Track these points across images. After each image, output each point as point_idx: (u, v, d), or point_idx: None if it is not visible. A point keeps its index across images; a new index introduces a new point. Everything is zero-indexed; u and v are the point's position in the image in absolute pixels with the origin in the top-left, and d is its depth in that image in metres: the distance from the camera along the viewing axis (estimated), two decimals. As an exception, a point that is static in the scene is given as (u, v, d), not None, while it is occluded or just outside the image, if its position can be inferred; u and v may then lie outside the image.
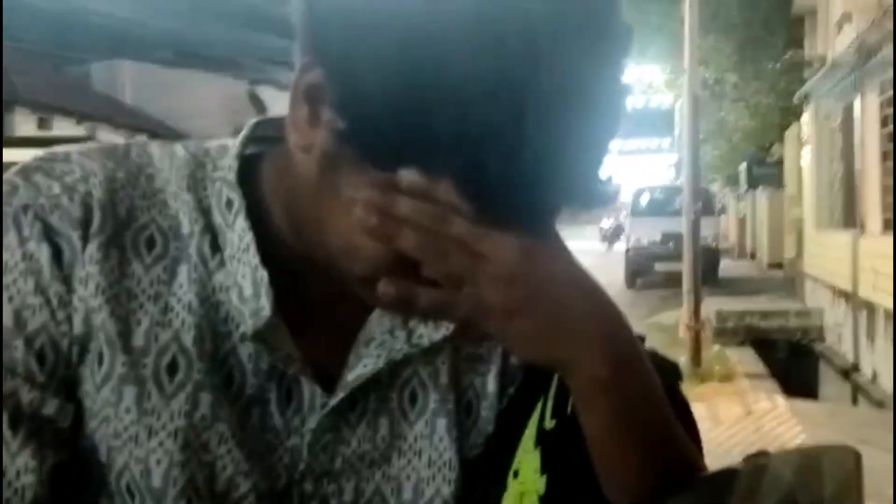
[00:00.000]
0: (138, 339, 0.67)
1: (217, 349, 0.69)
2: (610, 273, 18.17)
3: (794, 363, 10.37)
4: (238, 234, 0.69)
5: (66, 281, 0.66)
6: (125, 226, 0.67)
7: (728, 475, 0.64)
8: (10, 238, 0.65)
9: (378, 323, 0.74)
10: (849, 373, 8.88)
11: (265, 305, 0.67)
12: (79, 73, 26.18)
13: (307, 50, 0.63)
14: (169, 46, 26.33)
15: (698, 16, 9.55)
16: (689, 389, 5.59)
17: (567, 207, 0.62)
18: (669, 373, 0.75)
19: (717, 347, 9.85)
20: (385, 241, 0.61)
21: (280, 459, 0.71)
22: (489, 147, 0.56)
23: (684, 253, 9.33)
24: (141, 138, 0.85)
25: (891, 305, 7.39)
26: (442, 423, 0.76)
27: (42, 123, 21.10)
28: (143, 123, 24.89)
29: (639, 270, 17.85)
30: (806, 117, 11.89)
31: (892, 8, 7.12)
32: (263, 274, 0.67)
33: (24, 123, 20.13)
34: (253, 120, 0.75)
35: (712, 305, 11.25)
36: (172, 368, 0.67)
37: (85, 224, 0.66)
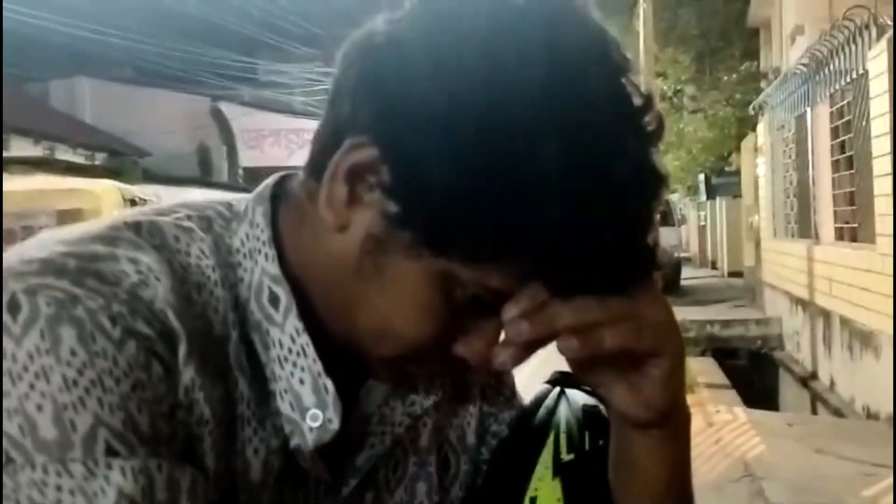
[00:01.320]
0: (217, 473, 0.62)
1: (262, 469, 0.64)
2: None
3: (754, 371, 10.50)
4: (290, 334, 0.63)
5: (175, 399, 0.59)
6: (195, 338, 0.60)
7: None
8: (101, 344, 0.55)
9: (370, 396, 0.72)
10: (807, 381, 8.96)
11: (333, 418, 0.63)
12: (37, 91, 25.89)
13: (355, 129, 0.61)
14: (128, 64, 26.15)
15: (656, 28, 9.64)
16: None
17: (635, 279, 0.63)
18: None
19: (678, 358, 9.88)
20: (584, 350, 0.61)
21: None
22: (572, 230, 0.57)
23: None
24: (132, 210, 0.67)
25: (846, 313, 7.49)
26: (422, 489, 0.76)
27: None
28: (103, 141, 24.66)
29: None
30: (761, 128, 12.04)
31: (841, 21, 7.25)
32: (328, 383, 0.63)
33: None
34: (263, 187, 0.70)
35: (675, 315, 11.31)
36: (228, 499, 0.63)
37: (171, 340, 0.58)
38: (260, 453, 0.64)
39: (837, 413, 7.61)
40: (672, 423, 0.68)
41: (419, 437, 0.76)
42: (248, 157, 26.33)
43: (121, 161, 23.81)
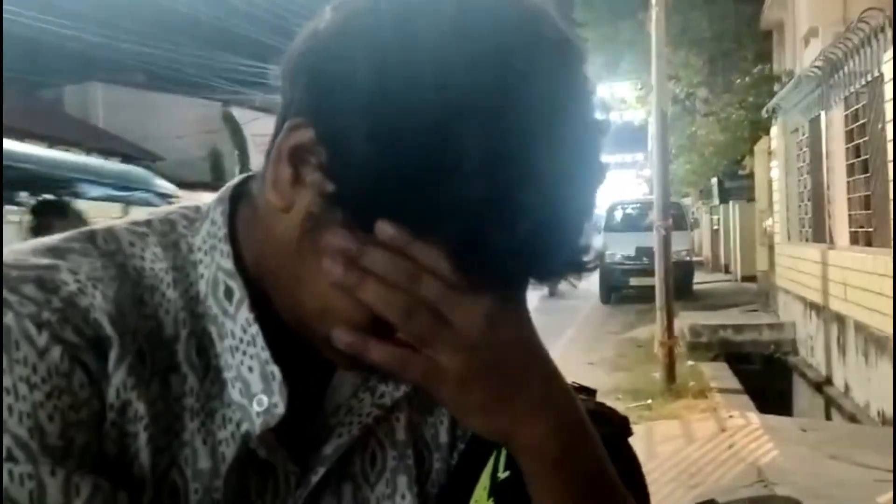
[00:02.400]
0: (157, 466, 0.63)
1: (211, 457, 0.66)
2: (584, 288, 18.23)
3: (768, 377, 10.39)
4: (241, 325, 0.66)
5: (102, 404, 0.60)
6: (134, 340, 0.63)
7: None
8: (23, 351, 0.57)
9: (338, 389, 0.74)
10: (821, 386, 8.90)
11: (278, 403, 0.65)
12: (51, 96, 26.06)
13: (299, 111, 0.63)
14: (141, 69, 26.26)
15: (668, 31, 9.61)
16: (663, 406, 5.60)
17: (548, 276, 0.64)
18: (619, 427, 0.81)
19: (690, 363, 9.88)
20: (348, 292, 0.61)
21: None
22: (487, 218, 0.58)
23: (656, 268, 9.35)
24: (99, 225, 0.69)
25: (862, 318, 7.43)
26: (403, 481, 0.77)
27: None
28: (116, 146, 24.82)
29: (614, 285, 17.90)
30: (774, 131, 11.97)
31: (855, 23, 7.19)
32: (275, 370, 0.66)
33: None
34: (224, 189, 0.72)
35: (687, 319, 11.33)
36: (174, 493, 0.64)
37: (101, 346, 0.61)
38: (209, 442, 0.65)
39: (852, 419, 7.55)
40: (518, 444, 0.66)
41: (395, 431, 0.77)
42: (260, 162, 26.17)
43: (133, 165, 23.93)
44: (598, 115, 0.63)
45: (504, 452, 0.75)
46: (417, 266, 0.61)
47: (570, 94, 0.61)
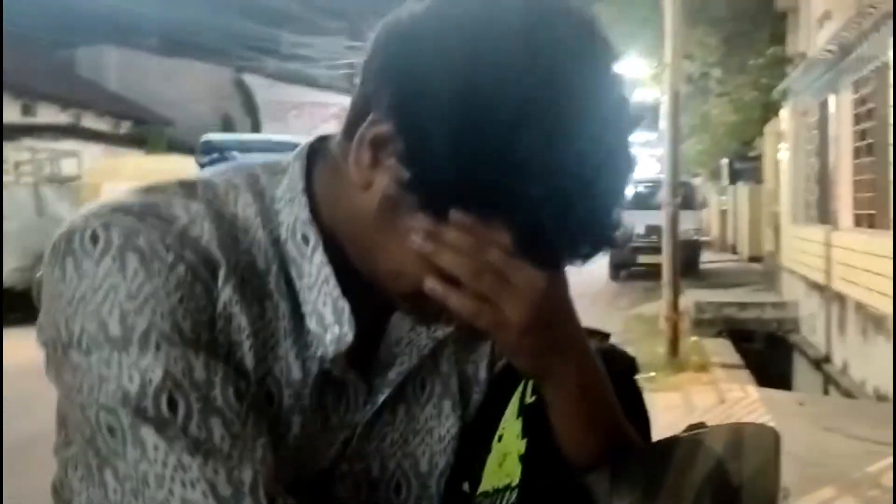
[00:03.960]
0: (257, 372, 0.75)
1: (301, 370, 0.77)
2: (593, 265, 18.06)
3: (769, 354, 10.48)
4: (317, 266, 0.77)
5: (214, 312, 0.72)
6: (236, 267, 0.74)
7: (670, 443, 0.80)
8: (157, 266, 0.69)
9: (398, 326, 0.85)
10: (820, 363, 9.00)
11: (348, 332, 0.76)
12: (64, 58, 25.87)
13: (379, 105, 0.72)
14: (155, 34, 26.10)
15: (685, 8, 9.48)
16: (665, 378, 5.65)
17: (592, 254, 0.75)
18: (627, 366, 0.92)
19: (694, 338, 9.92)
20: (425, 259, 0.72)
21: (334, 449, 0.83)
22: (544, 212, 0.69)
23: (664, 245, 9.35)
24: (192, 179, 0.80)
25: (862, 298, 7.53)
26: (447, 404, 0.90)
27: (26, 109, 20.76)
28: (128, 110, 24.58)
29: (622, 263, 17.86)
30: (784, 113, 11.95)
31: (868, 7, 7.21)
32: (345, 305, 0.76)
33: (8, 109, 19.49)
34: (302, 147, 0.82)
35: (692, 297, 11.34)
36: (270, 396, 0.76)
37: (213, 266, 0.72)
38: (299, 357, 0.77)
39: (848, 395, 7.65)
40: (554, 381, 0.79)
41: (440, 363, 0.90)
42: (272, 129, 26.00)
43: (146, 129, 23.87)
44: (630, 111, 0.73)
45: (531, 382, 0.86)
46: (484, 241, 0.72)
47: (612, 97, 0.71)
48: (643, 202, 17.68)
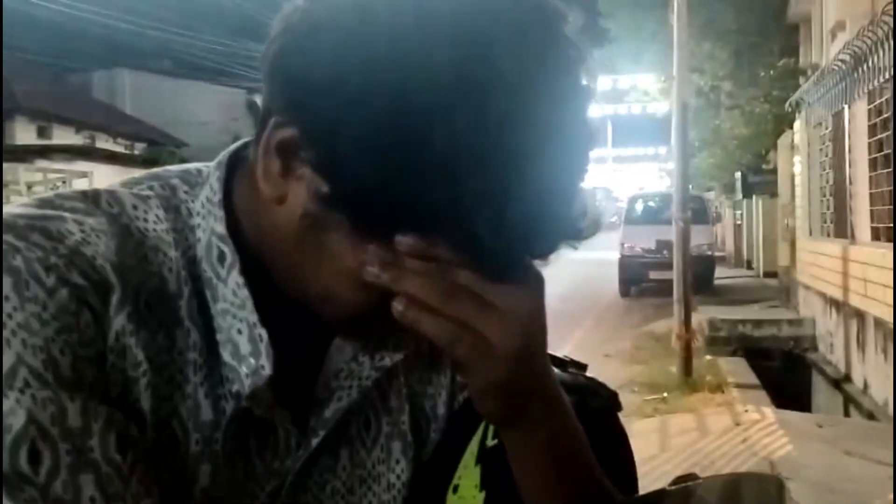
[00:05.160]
0: (157, 413, 0.65)
1: (213, 410, 0.68)
2: (604, 281, 18.15)
3: (786, 373, 10.32)
4: (232, 289, 0.68)
5: (104, 345, 0.63)
6: (136, 291, 0.65)
7: (655, 498, 0.72)
8: (34, 291, 0.60)
9: (339, 352, 0.75)
10: (840, 383, 8.82)
11: (265, 365, 0.67)
12: (79, 81, 26.25)
13: (279, 108, 0.64)
14: (167, 56, 26.44)
15: (692, 22, 9.53)
16: (678, 399, 5.57)
17: (549, 251, 0.65)
18: (607, 401, 0.83)
19: (708, 357, 9.82)
20: (391, 286, 0.63)
21: (259, 502, 0.72)
22: (480, 209, 0.59)
23: (674, 261, 9.28)
24: (99, 188, 0.69)
25: (881, 314, 7.36)
26: (397, 446, 0.80)
27: (41, 132, 21.20)
28: (143, 132, 24.96)
29: (633, 279, 17.78)
30: (797, 125, 11.85)
31: (880, 17, 7.09)
32: (262, 333, 0.67)
33: (23, 132, 20.24)
34: (223, 154, 0.73)
35: (706, 314, 11.25)
36: (174, 442, 0.66)
37: (104, 291, 0.63)
38: (210, 396, 0.67)
39: (870, 416, 7.49)
40: (522, 427, 0.69)
41: (388, 398, 0.80)
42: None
43: (159, 151, 24.13)
44: (586, 77, 0.63)
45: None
46: (445, 264, 0.63)
47: (550, 70, 0.61)
48: (654, 217, 17.68)
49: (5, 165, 15.56)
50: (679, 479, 0.73)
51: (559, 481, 0.71)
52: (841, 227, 9.46)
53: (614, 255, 17.96)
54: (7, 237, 0.61)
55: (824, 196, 10.57)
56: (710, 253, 17.52)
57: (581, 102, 0.63)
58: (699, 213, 15.21)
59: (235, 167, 0.72)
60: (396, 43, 0.58)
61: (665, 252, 14.75)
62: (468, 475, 0.77)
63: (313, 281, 0.67)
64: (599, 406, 0.80)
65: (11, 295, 0.59)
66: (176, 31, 23.58)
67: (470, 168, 0.58)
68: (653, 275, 16.76)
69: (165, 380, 0.65)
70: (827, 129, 10.22)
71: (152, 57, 26.50)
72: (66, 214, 0.65)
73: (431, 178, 0.58)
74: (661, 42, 13.66)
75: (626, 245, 17.79)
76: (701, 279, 13.19)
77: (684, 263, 9.10)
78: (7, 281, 0.59)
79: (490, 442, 0.77)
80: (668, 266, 11.55)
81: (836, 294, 9.20)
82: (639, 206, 19.31)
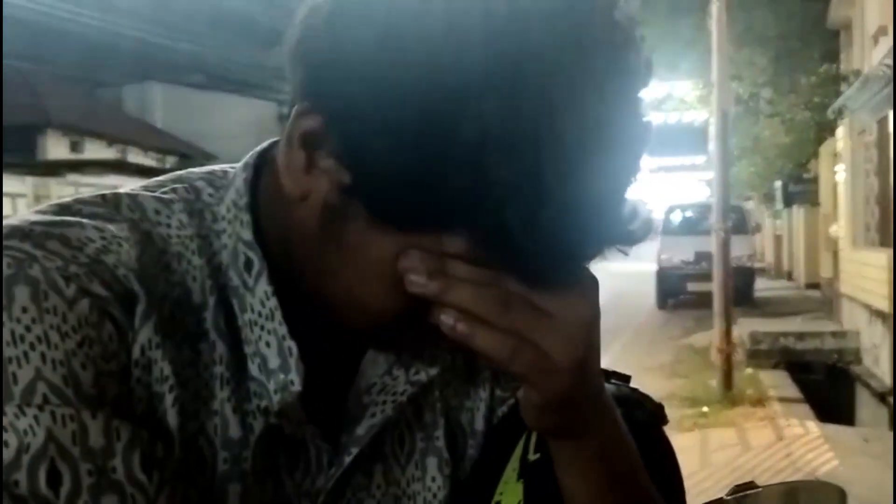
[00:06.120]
0: (183, 431, 0.62)
1: (241, 427, 0.65)
2: (641, 294, 17.98)
3: (830, 387, 10.17)
4: (260, 298, 0.64)
5: (128, 358, 0.59)
6: (161, 301, 0.62)
7: None
8: (53, 301, 0.56)
9: (371, 366, 0.72)
10: (885, 396, 8.63)
11: (295, 380, 0.63)
12: (111, 96, 26.65)
13: (303, 95, 0.61)
14: (199, 70, 26.71)
15: (731, 29, 9.43)
16: (718, 413, 5.51)
17: (594, 255, 0.61)
18: (652, 413, 0.80)
19: (749, 370, 9.68)
20: (437, 297, 0.59)
21: None
22: (510, 205, 0.55)
23: (714, 272, 9.17)
24: (117, 190, 0.67)
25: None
26: (433, 463, 0.76)
27: (74, 146, 21.56)
28: (174, 145, 25.30)
29: (671, 291, 17.63)
30: (840, 132, 11.63)
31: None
32: (292, 345, 0.64)
33: (56, 146, 20.63)
34: (250, 155, 0.70)
35: (746, 327, 11.17)
36: (201, 461, 0.63)
37: (128, 301, 0.60)
38: (238, 412, 0.64)
39: (919, 431, 7.27)
40: (575, 439, 0.66)
41: (423, 413, 0.76)
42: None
43: (190, 164, 24.38)
44: (638, 65, 0.58)
45: (534, 435, 0.74)
46: (495, 270, 0.59)
47: (594, 53, 0.56)
48: (692, 227, 17.53)
49: (38, 180, 15.81)
50: (737, 488, 0.73)
51: (611, 491, 0.68)
52: (886, 235, 9.30)
53: (650, 267, 17.82)
54: (24, 245, 0.58)
55: (868, 204, 10.39)
56: (749, 264, 17.23)
57: (630, 92, 0.58)
58: (739, 224, 14.97)
59: (262, 169, 0.68)
60: (425, 23, 0.55)
61: (704, 263, 14.61)
62: (510, 491, 0.74)
63: (340, 286, 0.63)
64: (645, 418, 0.76)
65: (29, 306, 0.56)
66: (208, 44, 23.85)
67: (502, 156, 0.54)
68: (691, 286, 16.62)
69: (192, 395, 0.63)
70: (871, 135, 10.04)
71: (184, 70, 26.80)
72: (86, 221, 0.62)
73: (459, 167, 0.55)
74: (699, 49, 13.51)
75: (663, 256, 17.62)
76: (741, 291, 13.00)
77: (725, 274, 8.99)
78: (24, 291, 0.56)
79: (532, 456, 0.74)
80: (706, 278, 11.47)
81: (882, 305, 9.02)
82: (676, 217, 19.14)
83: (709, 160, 10.57)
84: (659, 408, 0.81)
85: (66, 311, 0.56)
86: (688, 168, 40.78)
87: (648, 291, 17.97)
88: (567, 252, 0.59)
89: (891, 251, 8.70)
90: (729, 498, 0.72)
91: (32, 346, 0.55)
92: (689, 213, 19.14)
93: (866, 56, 11.13)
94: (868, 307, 9.88)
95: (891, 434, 7.84)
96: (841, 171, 11.73)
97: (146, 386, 0.60)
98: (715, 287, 9.12)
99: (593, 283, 0.62)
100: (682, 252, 17.08)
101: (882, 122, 9.34)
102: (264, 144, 0.70)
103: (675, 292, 17.59)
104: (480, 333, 0.60)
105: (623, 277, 17.41)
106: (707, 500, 0.75)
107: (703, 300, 12.20)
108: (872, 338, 9.68)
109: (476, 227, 0.57)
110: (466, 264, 0.59)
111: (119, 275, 0.60)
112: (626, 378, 0.83)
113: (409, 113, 0.55)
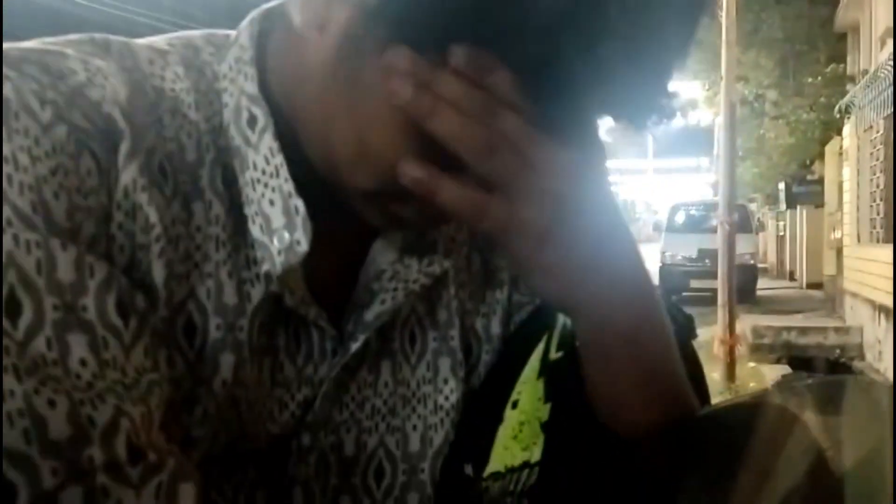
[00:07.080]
0: (170, 290, 0.56)
1: (237, 294, 0.59)
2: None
3: (832, 382, 10.14)
4: (264, 155, 0.59)
5: (109, 200, 0.53)
6: (150, 150, 0.56)
7: (754, 403, 0.61)
8: (24, 122, 0.50)
9: (382, 252, 0.67)
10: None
11: (301, 240, 0.58)
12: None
13: None
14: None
15: (738, 30, 9.44)
16: None
17: (630, 118, 0.55)
18: (683, 325, 0.73)
19: (752, 364, 9.70)
20: (420, 119, 0.53)
21: (290, 414, 0.63)
22: (564, 36, 0.49)
23: (719, 265, 9.19)
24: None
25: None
26: (445, 364, 0.71)
27: None
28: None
29: (673, 287, 17.54)
30: (847, 130, 11.69)
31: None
32: (298, 203, 0.58)
33: None
34: (255, 11, 0.64)
35: (749, 322, 11.10)
36: (191, 326, 0.57)
37: (112, 138, 0.54)
38: (234, 276, 0.59)
39: (921, 424, 7.30)
40: (585, 309, 0.60)
41: (436, 310, 0.71)
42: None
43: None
44: None
45: (557, 334, 0.69)
46: (496, 99, 0.52)
47: None
48: (697, 225, 17.52)
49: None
50: (784, 379, 0.65)
51: (641, 382, 0.61)
52: (890, 232, 9.29)
53: (653, 266, 17.75)
54: None
55: (874, 201, 10.41)
56: (753, 262, 17.24)
57: None
58: (743, 222, 14.97)
59: (270, 25, 0.63)
60: None
61: (707, 261, 14.60)
62: (529, 390, 0.68)
63: (344, 133, 0.57)
64: (675, 329, 0.68)
65: None
66: (225, 33, 23.87)
67: None
68: (694, 283, 16.52)
69: (182, 255, 0.56)
70: (878, 132, 10.06)
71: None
72: (70, 51, 0.56)
73: None
74: (707, 49, 13.52)
75: (667, 253, 17.60)
76: (744, 289, 12.99)
77: (729, 267, 8.99)
78: None
79: (554, 355, 0.68)
80: (709, 275, 11.46)
81: (886, 300, 9.03)
82: (680, 215, 19.13)
83: (713, 162, 10.58)
84: (689, 319, 0.77)
85: (40, 134, 0.50)
86: (692, 170, 40.76)
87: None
88: (604, 108, 0.55)
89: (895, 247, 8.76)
90: (772, 392, 0.63)
91: None
92: (693, 211, 19.10)
93: (873, 58, 11.13)
94: (871, 302, 9.89)
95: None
96: (847, 169, 11.78)
97: (129, 234, 0.54)
98: (719, 278, 9.10)
99: (599, 151, 0.57)
100: (686, 249, 17.01)
101: (889, 119, 9.39)
102: (272, 3, 0.65)
103: (677, 289, 17.52)
104: (445, 185, 0.55)
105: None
106: None
107: (705, 298, 12.19)
108: (876, 333, 9.69)
109: (520, 55, 0.51)
110: (461, 80, 0.53)
111: (103, 111, 0.54)
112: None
113: None
